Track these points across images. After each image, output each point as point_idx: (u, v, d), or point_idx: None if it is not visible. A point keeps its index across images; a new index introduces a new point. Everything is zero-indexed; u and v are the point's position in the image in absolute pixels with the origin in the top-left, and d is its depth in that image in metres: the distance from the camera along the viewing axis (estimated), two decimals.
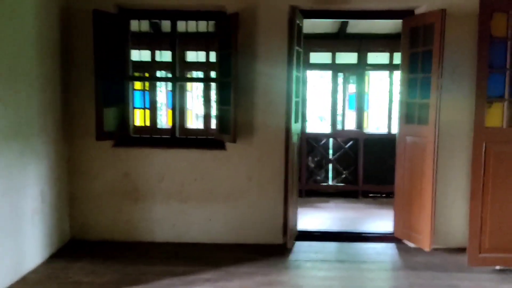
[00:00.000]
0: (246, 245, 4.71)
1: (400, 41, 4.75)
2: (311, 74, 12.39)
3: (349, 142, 7.17)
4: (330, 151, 7.31)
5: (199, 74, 9.29)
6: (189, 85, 9.35)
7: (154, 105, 8.00)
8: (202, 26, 5.02)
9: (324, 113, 14.07)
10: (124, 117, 4.81)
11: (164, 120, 10.21)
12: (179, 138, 4.93)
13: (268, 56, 4.64)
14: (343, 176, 7.15)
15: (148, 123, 7.79)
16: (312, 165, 7.18)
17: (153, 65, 7.65)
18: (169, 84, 8.05)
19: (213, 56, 5.48)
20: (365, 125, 7.78)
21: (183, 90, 7.85)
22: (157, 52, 7.62)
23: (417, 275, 4.04)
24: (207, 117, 7.75)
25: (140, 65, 7.20)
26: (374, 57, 7.55)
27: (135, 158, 4.77)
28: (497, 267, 4.13)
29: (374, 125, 12.03)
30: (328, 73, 8.07)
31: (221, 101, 4.74)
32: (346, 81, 7.72)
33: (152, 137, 5.15)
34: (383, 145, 6.99)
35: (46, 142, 4.31)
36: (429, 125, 4.36)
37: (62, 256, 4.38)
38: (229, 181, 4.76)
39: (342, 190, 7.12)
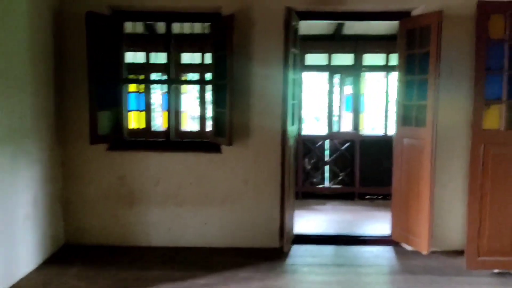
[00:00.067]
0: (243, 249, 4.67)
1: (396, 42, 4.72)
2: (307, 76, 12.36)
3: (345, 144, 7.14)
4: (327, 153, 7.27)
5: (195, 76, 9.24)
6: (184, 87, 9.30)
7: (149, 107, 7.95)
8: (197, 27, 4.98)
9: (320, 114, 14.05)
10: (119, 120, 4.75)
11: (159, 122, 10.16)
12: (175, 141, 4.88)
13: (264, 58, 4.60)
14: (340, 178, 7.12)
15: (143, 126, 7.74)
16: (309, 167, 7.14)
17: (148, 67, 7.60)
18: (164, 86, 8.01)
19: (208, 58, 5.44)
20: (361, 126, 7.76)
21: (178, 92, 7.80)
22: (152, 54, 7.57)
23: (416, 279, 4.01)
24: (202, 119, 7.71)
25: (135, 67, 7.15)
26: (370, 59, 7.53)
27: (130, 162, 4.71)
28: (496, 271, 4.11)
29: (370, 126, 12.02)
30: (325, 75, 8.05)
31: (216, 104, 4.70)
32: (342, 83, 7.71)
33: (147, 140, 5.10)
34: (380, 147, 6.95)
35: (39, 146, 4.25)
36: (427, 127, 4.33)
37: (56, 262, 4.32)
38: (225, 184, 4.72)
39: (339, 192, 7.09)
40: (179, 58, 7.67)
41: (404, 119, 4.66)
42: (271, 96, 4.62)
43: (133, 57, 6.42)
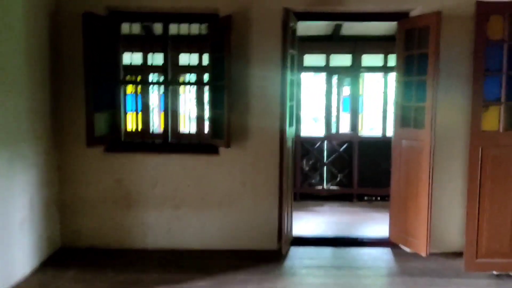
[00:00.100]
0: (241, 251, 4.64)
1: (394, 43, 4.70)
2: (305, 76, 12.35)
3: (343, 145, 7.12)
4: (325, 154, 7.25)
5: (192, 77, 9.21)
6: (182, 87, 9.26)
7: (146, 109, 7.91)
8: (195, 29, 4.95)
9: (318, 115, 14.04)
10: (116, 122, 4.72)
11: (157, 122, 10.12)
12: (172, 143, 4.86)
13: (262, 59, 4.58)
14: (338, 179, 7.10)
15: (140, 127, 7.71)
16: (307, 168, 7.12)
17: (145, 68, 7.56)
18: (162, 87, 7.97)
19: (206, 59, 5.41)
20: (359, 127, 7.74)
21: (176, 93, 7.76)
22: (149, 55, 7.53)
23: (414, 281, 4.00)
24: (200, 121, 7.67)
25: (132, 68, 7.11)
26: (369, 59, 7.50)
27: (127, 164, 4.68)
28: (495, 272, 4.09)
29: (369, 127, 12.01)
30: (323, 75, 8.03)
31: (214, 105, 4.68)
32: (340, 83, 7.68)
33: (144, 142, 5.07)
34: (378, 148, 6.93)
35: (36, 149, 4.22)
36: (425, 129, 4.31)
37: (52, 265, 4.29)
38: (223, 186, 4.69)
39: (337, 194, 7.07)
40: (177, 59, 7.64)
41: (403, 120, 4.64)
42: (269, 98, 4.60)
43: (131, 58, 6.38)
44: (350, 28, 6.82)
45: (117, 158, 4.69)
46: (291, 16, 4.45)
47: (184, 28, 4.86)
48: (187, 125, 10.22)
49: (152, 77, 8.59)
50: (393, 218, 4.79)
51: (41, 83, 4.32)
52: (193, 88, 9.78)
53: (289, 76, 4.45)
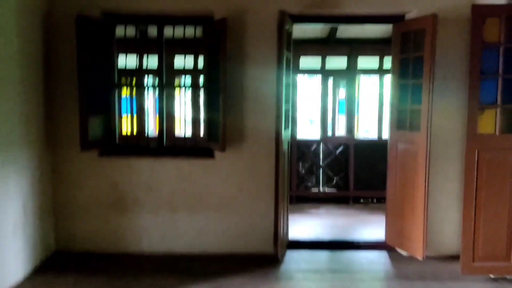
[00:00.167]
0: (237, 255, 4.61)
1: (390, 45, 4.69)
2: (301, 78, 12.34)
3: (339, 147, 7.11)
4: (321, 157, 7.23)
5: (188, 79, 9.16)
6: (177, 90, 9.22)
7: (141, 112, 7.87)
8: (191, 31, 4.92)
9: (314, 117, 14.03)
10: (111, 126, 4.69)
11: (152, 125, 10.06)
12: (167, 146, 4.82)
13: (258, 62, 4.56)
14: (334, 181, 7.09)
15: (135, 130, 7.65)
16: (303, 171, 7.11)
17: (140, 71, 7.52)
18: (157, 90, 7.93)
19: (201, 62, 5.39)
20: (355, 130, 7.73)
21: (171, 96, 7.73)
22: (144, 58, 7.48)
23: (411, 285, 3.98)
24: (196, 123, 7.64)
25: (127, 71, 7.07)
26: (364, 62, 7.50)
27: (122, 168, 4.64)
28: (491, 276, 4.08)
29: (364, 130, 12.01)
30: (318, 78, 8.02)
31: (209, 108, 4.65)
32: (336, 86, 7.67)
33: (139, 146, 5.04)
34: (374, 150, 6.93)
35: (29, 153, 4.17)
36: (421, 132, 4.30)
37: (46, 270, 4.24)
38: (219, 190, 4.66)
39: (333, 196, 7.05)
40: (172, 61, 7.60)
41: (398, 123, 4.63)
42: (264, 100, 4.58)
43: (125, 61, 6.33)
44: (346, 30, 6.82)
45: (111, 162, 4.65)
46: (286, 19, 4.43)
47: (179, 31, 4.84)
48: (182, 128, 10.17)
49: (147, 80, 8.55)
50: (389, 221, 4.78)
51: (34, 86, 4.28)
52: (189, 91, 9.74)
53: (284, 79, 4.43)
